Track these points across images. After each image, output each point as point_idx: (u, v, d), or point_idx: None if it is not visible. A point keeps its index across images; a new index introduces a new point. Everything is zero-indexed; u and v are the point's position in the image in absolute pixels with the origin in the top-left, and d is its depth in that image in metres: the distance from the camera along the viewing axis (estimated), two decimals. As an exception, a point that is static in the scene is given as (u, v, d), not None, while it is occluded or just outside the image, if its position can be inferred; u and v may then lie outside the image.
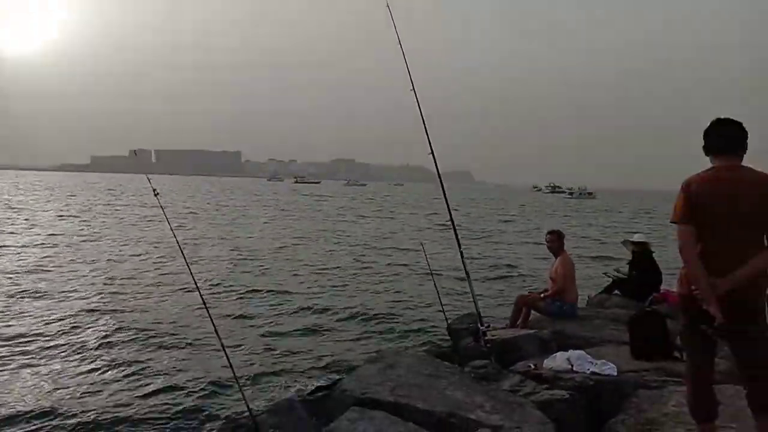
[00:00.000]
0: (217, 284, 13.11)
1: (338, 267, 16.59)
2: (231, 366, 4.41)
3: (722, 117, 3.21)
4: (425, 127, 5.56)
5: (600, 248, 24.83)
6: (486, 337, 5.43)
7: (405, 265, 17.22)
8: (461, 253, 5.43)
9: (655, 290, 8.46)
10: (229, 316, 10.15)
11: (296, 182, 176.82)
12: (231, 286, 13.00)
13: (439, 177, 5.64)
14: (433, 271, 7.48)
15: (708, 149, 3.20)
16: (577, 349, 5.52)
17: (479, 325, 5.68)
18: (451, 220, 5.48)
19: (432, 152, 5.45)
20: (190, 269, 4.90)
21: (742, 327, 3.01)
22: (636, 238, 8.97)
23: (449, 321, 6.83)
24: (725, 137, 3.15)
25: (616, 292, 8.89)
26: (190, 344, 8.25)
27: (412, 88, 5.62)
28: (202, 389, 6.46)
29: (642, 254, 8.69)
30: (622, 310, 7.69)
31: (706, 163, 3.26)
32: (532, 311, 7.06)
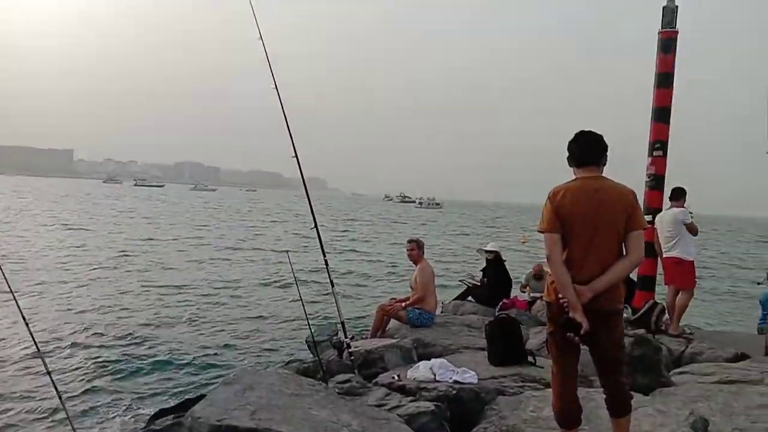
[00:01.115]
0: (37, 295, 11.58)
1: (191, 281, 15.41)
2: (58, 392, 3.79)
3: (584, 130, 3.29)
4: (289, 129, 5.25)
5: (453, 255, 26.06)
6: (350, 350, 5.24)
7: (267, 275, 16.61)
8: (326, 261, 5.20)
9: (506, 296, 8.90)
10: (55, 335, 8.95)
11: (136, 185, 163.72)
12: (55, 302, 11.54)
13: (304, 183, 5.37)
14: (299, 281, 7.15)
15: (571, 160, 3.27)
16: (438, 357, 5.55)
17: (343, 337, 5.48)
18: (316, 227, 5.22)
19: (296, 156, 5.16)
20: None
21: (604, 332, 3.13)
22: (489, 246, 9.38)
23: (313, 333, 6.55)
24: (588, 149, 3.23)
25: (470, 298, 9.22)
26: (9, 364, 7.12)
27: (274, 85, 5.28)
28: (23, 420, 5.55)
29: (494, 262, 9.10)
30: (476, 316, 7.96)
31: (560, 177, 3.37)
32: (393, 320, 7.02)
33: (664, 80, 7.72)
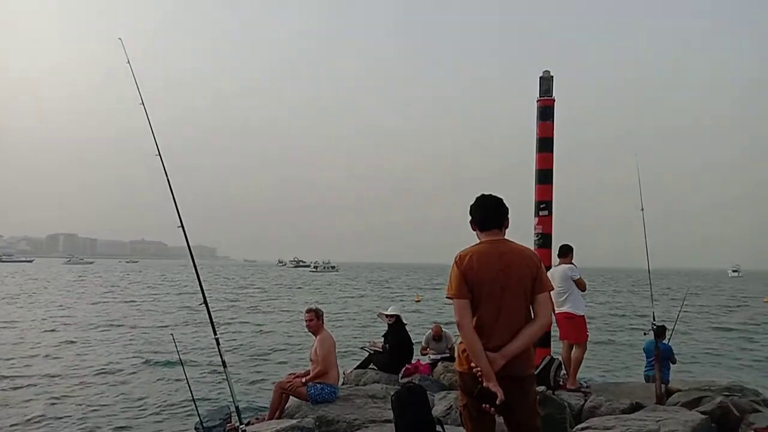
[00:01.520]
0: None
1: (61, 366, 13.72)
2: None
3: (485, 194, 3.29)
4: (173, 196, 4.87)
5: (350, 320, 25.66)
6: (245, 436, 4.75)
7: (149, 355, 15.20)
8: (216, 340, 4.76)
9: (408, 361, 8.71)
10: None
11: (1, 261, 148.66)
12: None
13: (191, 252, 4.95)
14: (185, 362, 6.53)
15: (475, 224, 3.25)
16: (343, 436, 5.21)
17: (237, 422, 4.99)
18: (205, 302, 4.79)
19: (182, 225, 4.77)
20: None
21: (518, 399, 3.02)
22: (390, 310, 9.23)
23: (202, 419, 5.94)
24: (490, 213, 3.22)
25: (372, 365, 8.93)
26: None
27: (157, 152, 4.93)
28: None
29: (395, 326, 8.94)
30: (379, 385, 7.68)
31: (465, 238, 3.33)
32: (293, 397, 6.56)
33: (545, 145, 8.19)
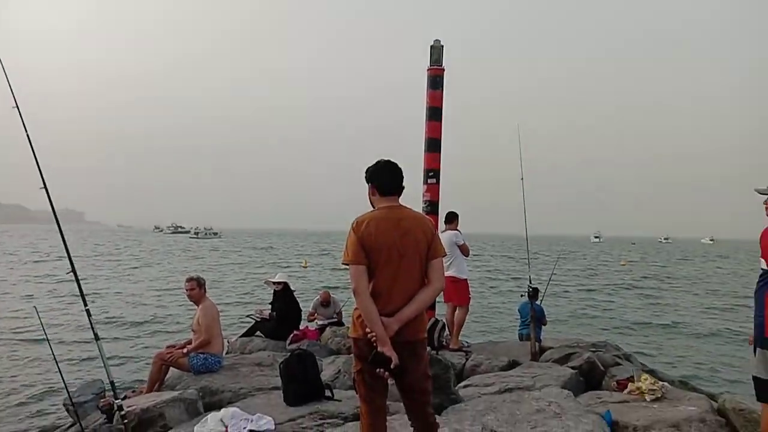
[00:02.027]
0: None
1: None
2: None
3: (386, 159, 3.25)
4: (34, 154, 4.33)
5: (241, 289, 25.00)
6: (122, 412, 4.44)
7: (11, 331, 13.81)
8: (87, 311, 4.35)
9: (296, 327, 8.62)
10: None
11: None
12: None
13: (55, 215, 4.45)
14: (52, 337, 5.96)
15: (375, 189, 3.20)
16: (230, 405, 5.05)
17: (113, 398, 4.64)
18: (73, 269, 4.34)
19: (45, 186, 4.26)
20: None
21: (411, 363, 3.04)
22: (277, 277, 9.03)
23: (71, 395, 5.48)
24: (392, 179, 3.19)
25: (258, 333, 8.74)
26: None
27: (15, 104, 4.35)
28: None
29: (283, 293, 8.78)
30: (266, 353, 7.53)
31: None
32: (173, 369, 6.25)
33: (434, 114, 8.28)
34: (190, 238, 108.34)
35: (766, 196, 3.69)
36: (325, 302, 9.69)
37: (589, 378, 6.27)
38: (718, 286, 31.62)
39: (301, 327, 8.79)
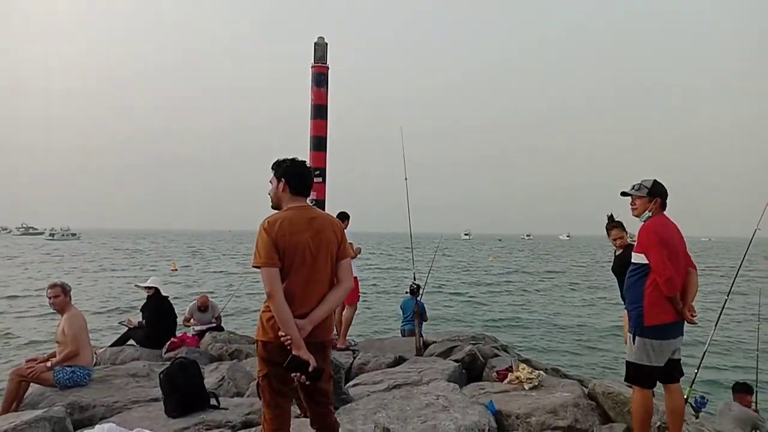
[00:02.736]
0: None
1: None
2: None
3: (300, 158, 3.22)
4: None
5: (105, 295, 23.21)
6: (-27, 439, 3.92)
7: None
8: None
9: (172, 334, 8.15)
10: None
11: None
12: None
13: None
14: None
15: (289, 188, 3.13)
16: (104, 421, 4.66)
17: (-39, 423, 4.09)
18: None
19: None
20: None
21: (320, 364, 2.98)
22: (149, 282, 8.47)
23: None
24: (306, 180, 3.19)
25: (131, 342, 8.15)
26: None
27: None
28: None
29: (155, 298, 8.26)
30: (140, 363, 7.05)
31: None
32: (35, 385, 5.64)
33: (319, 112, 8.23)
34: (46, 239, 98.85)
35: (630, 197, 4.06)
36: (203, 307, 9.28)
37: (471, 370, 6.56)
38: (578, 280, 34.58)
39: (178, 334, 8.33)
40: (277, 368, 2.91)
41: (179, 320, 8.77)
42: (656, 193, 3.94)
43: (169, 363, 5.42)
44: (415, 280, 7.81)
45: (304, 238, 2.98)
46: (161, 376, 5.04)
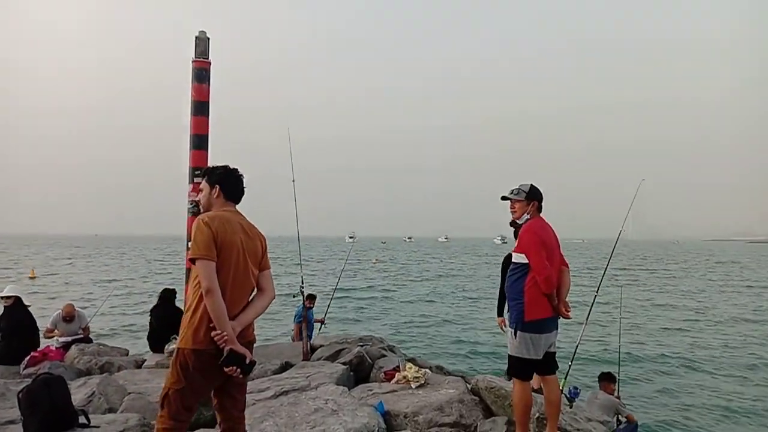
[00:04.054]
0: None
1: None
2: None
3: (233, 167, 3.24)
4: None
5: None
6: None
7: None
8: None
9: (33, 348, 7.40)
10: None
11: None
12: None
13: None
14: None
15: (223, 193, 3.17)
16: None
17: None
18: None
19: None
20: None
21: (254, 359, 3.04)
22: (7, 290, 7.62)
23: None
24: (240, 187, 3.24)
25: (-19, 359, 7.28)
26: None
27: None
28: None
29: (14, 308, 7.46)
30: (-8, 381, 6.30)
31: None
32: None
33: (200, 109, 7.85)
34: None
35: (509, 201, 4.27)
36: (68, 317, 8.51)
37: (359, 372, 6.57)
38: (459, 281, 36.03)
39: (41, 347, 7.56)
40: (195, 380, 2.87)
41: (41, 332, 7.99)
42: (533, 196, 4.18)
43: (29, 380, 4.90)
44: (303, 284, 7.68)
45: (238, 240, 2.99)
46: (20, 395, 4.52)
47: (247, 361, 2.92)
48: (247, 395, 5.54)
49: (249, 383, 6.06)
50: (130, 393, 5.74)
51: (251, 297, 3.11)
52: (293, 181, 7.64)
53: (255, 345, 3.25)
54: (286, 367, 6.70)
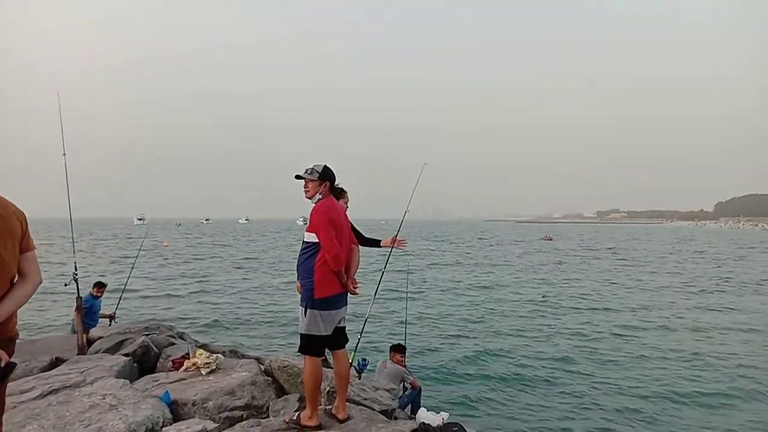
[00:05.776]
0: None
1: None
2: None
3: None
4: None
5: None
6: None
7: None
8: None
9: None
10: None
11: None
12: None
13: None
14: None
15: None
16: None
17: None
18: None
19: None
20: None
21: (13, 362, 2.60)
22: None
23: None
24: None
25: None
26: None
27: None
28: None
29: None
30: None
31: None
32: None
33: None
34: None
35: (303, 180, 4.29)
36: None
37: (143, 363, 6.12)
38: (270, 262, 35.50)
39: None
40: None
41: None
42: (326, 177, 4.25)
43: None
44: (76, 270, 6.88)
45: None
46: None
47: (2, 364, 2.49)
48: (6, 398, 4.89)
49: (9, 384, 5.32)
50: None
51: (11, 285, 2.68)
52: (64, 155, 6.80)
53: (18, 341, 2.83)
54: (56, 363, 6.00)
